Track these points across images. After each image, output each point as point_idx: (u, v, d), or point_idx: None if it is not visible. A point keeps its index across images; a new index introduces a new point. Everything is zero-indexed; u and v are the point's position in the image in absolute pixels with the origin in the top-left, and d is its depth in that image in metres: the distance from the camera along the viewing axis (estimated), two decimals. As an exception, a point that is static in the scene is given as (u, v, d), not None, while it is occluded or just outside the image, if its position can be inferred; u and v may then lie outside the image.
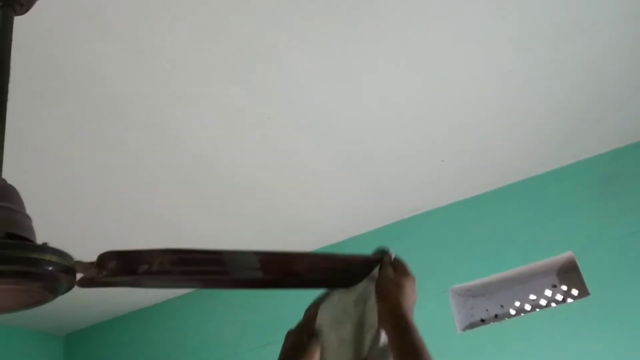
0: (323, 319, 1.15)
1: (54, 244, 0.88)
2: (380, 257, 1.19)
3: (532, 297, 2.67)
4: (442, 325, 2.59)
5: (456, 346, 2.55)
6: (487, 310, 2.74)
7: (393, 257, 1.22)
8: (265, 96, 1.94)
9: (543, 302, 2.64)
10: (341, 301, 1.16)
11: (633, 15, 1.82)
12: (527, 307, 2.66)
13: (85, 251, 1.01)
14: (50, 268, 0.73)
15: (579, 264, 2.48)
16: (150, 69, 1.75)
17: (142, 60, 1.72)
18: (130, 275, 0.86)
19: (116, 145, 2.05)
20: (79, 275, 0.80)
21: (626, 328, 2.28)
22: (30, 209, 0.84)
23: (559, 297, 2.63)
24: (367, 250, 3.00)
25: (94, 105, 1.85)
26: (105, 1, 1.51)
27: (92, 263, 0.82)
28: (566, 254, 2.53)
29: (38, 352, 3.47)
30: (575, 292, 2.58)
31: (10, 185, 0.82)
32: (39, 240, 0.80)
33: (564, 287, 2.63)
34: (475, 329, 2.62)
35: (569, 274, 2.62)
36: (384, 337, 1.13)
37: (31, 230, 0.80)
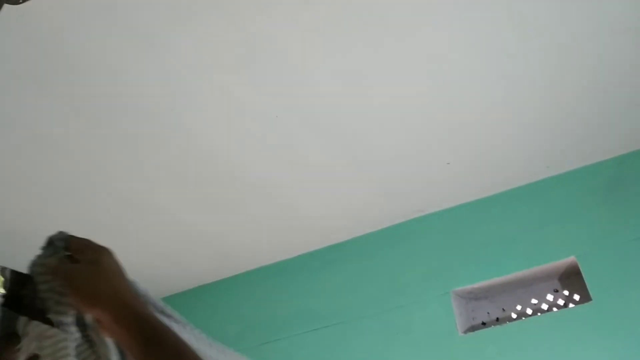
0: None
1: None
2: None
3: (534, 301, 2.67)
4: (444, 328, 2.59)
5: (457, 349, 2.54)
6: (488, 313, 2.73)
7: (61, 237, 0.79)
8: (273, 94, 1.94)
9: (545, 306, 2.64)
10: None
11: (642, 21, 1.82)
12: (529, 311, 2.66)
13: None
14: None
15: (581, 269, 2.47)
16: (159, 64, 1.76)
17: (151, 55, 1.72)
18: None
19: (122, 138, 2.06)
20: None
21: (627, 334, 2.27)
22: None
23: (561, 301, 2.62)
24: (369, 252, 3.00)
25: (102, 97, 1.85)
26: (116, -5, 1.51)
27: None
28: (569, 259, 2.53)
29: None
30: (577, 297, 2.57)
31: None
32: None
33: (566, 292, 2.63)
34: (476, 332, 2.62)
35: (571, 278, 2.62)
36: None
37: None
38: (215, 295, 3.19)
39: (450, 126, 2.22)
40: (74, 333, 0.74)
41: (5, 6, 1.26)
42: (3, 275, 0.77)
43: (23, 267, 0.78)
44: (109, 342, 0.76)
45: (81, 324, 0.76)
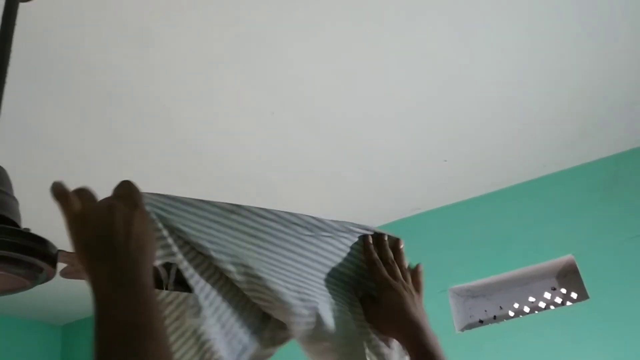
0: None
1: (52, 233, 0.87)
2: None
3: (531, 299, 2.67)
4: (441, 325, 2.58)
5: (454, 346, 2.53)
6: (485, 311, 2.73)
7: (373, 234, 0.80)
8: (269, 91, 1.93)
9: (542, 304, 2.64)
10: None
11: (640, 18, 1.82)
12: (526, 309, 2.66)
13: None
14: (32, 255, 0.71)
15: (579, 267, 2.47)
16: (155, 60, 1.75)
17: (148, 51, 1.71)
18: None
19: (118, 136, 2.05)
20: (60, 265, 0.78)
21: (625, 332, 2.27)
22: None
23: (558, 300, 2.62)
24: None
25: (98, 94, 1.85)
26: (110, -9, 1.51)
27: (74, 253, 0.79)
28: (566, 257, 2.53)
29: (35, 342, 3.47)
30: (574, 295, 2.57)
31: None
32: (36, 227, 0.78)
33: (564, 290, 2.63)
34: (473, 330, 2.62)
35: (568, 277, 2.62)
36: None
37: (17, 214, 0.78)
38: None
39: (447, 123, 2.22)
40: None
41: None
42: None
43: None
44: None
45: None
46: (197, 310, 0.74)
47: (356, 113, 2.10)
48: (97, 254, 0.62)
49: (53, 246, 0.75)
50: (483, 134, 2.30)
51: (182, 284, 0.76)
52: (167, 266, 0.78)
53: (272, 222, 0.86)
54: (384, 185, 2.58)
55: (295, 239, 0.87)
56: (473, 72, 1.96)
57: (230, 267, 0.79)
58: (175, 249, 0.76)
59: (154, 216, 0.75)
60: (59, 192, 0.67)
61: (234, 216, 0.83)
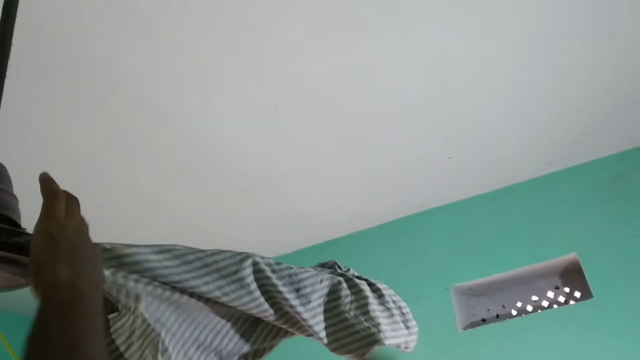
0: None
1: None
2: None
3: (534, 298, 2.65)
4: (444, 324, 2.57)
5: (457, 345, 2.53)
6: (488, 310, 2.72)
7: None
8: (273, 86, 1.92)
9: (545, 303, 2.62)
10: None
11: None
12: (529, 308, 2.64)
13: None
14: (29, 256, 0.70)
15: (583, 266, 2.46)
16: (157, 53, 1.74)
17: (152, 47, 1.70)
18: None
19: (123, 129, 2.04)
20: None
21: (629, 332, 2.26)
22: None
23: (562, 299, 2.60)
24: (370, 247, 2.98)
25: (103, 88, 1.84)
26: (114, -16, 1.49)
27: None
28: (570, 256, 2.51)
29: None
30: (577, 294, 2.56)
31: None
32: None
33: (567, 289, 2.61)
34: (476, 329, 2.60)
35: (572, 275, 2.60)
36: None
37: (17, 212, 0.77)
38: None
39: (451, 120, 2.20)
40: None
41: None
42: None
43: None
44: None
45: None
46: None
47: (360, 109, 2.08)
48: (65, 263, 0.61)
49: None
50: (488, 131, 2.28)
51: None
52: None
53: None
54: (387, 182, 2.57)
55: None
56: (479, 69, 1.95)
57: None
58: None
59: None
60: (50, 190, 0.68)
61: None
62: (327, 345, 1.09)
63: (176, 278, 0.91)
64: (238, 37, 1.70)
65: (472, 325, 2.67)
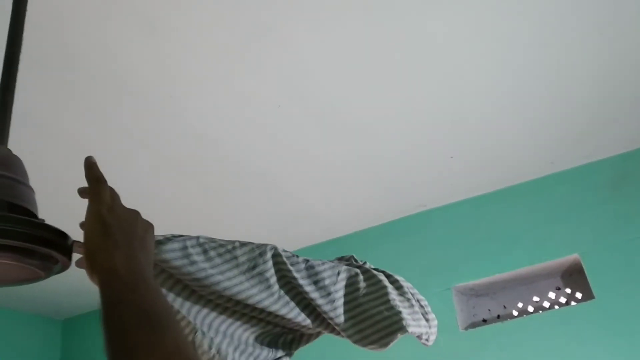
0: None
1: (55, 223, 0.85)
2: None
3: (536, 298, 2.65)
4: (444, 323, 2.54)
5: (458, 345, 2.53)
6: (489, 310, 2.72)
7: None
8: (276, 84, 1.91)
9: (546, 304, 2.62)
10: None
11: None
12: (530, 308, 2.64)
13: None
14: (48, 247, 0.70)
15: (584, 266, 2.45)
16: (160, 49, 1.73)
17: (157, 42, 1.69)
18: None
19: (124, 125, 2.03)
20: (75, 256, 0.77)
21: (631, 333, 2.26)
22: (36, 188, 0.82)
23: (563, 299, 2.60)
24: (371, 246, 2.98)
25: (105, 84, 1.83)
26: (118, -21, 1.49)
27: None
28: (572, 256, 2.51)
29: (35, 336, 3.46)
30: (579, 295, 2.56)
31: (15, 156, 0.80)
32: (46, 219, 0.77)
33: (568, 290, 2.61)
34: (477, 329, 2.60)
35: (573, 276, 2.60)
36: None
37: (34, 203, 0.77)
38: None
39: (454, 120, 2.20)
40: None
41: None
42: None
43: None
44: None
45: None
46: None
47: (363, 108, 2.08)
48: (118, 243, 0.64)
49: (68, 237, 0.74)
50: (490, 130, 2.28)
51: None
52: None
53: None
54: (389, 181, 2.56)
55: None
56: (482, 68, 1.95)
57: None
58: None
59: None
60: (96, 175, 0.72)
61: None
62: (349, 337, 1.08)
63: (202, 274, 0.91)
64: (243, 34, 1.70)
65: (473, 325, 2.66)
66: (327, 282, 1.05)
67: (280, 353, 1.03)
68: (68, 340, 3.54)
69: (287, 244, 2.96)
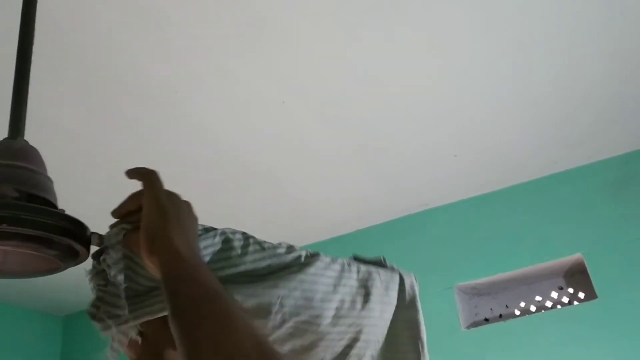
0: None
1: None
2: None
3: (538, 298, 2.65)
4: (447, 322, 2.57)
5: (459, 344, 2.52)
6: (491, 309, 2.71)
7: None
8: (280, 80, 1.91)
9: (549, 304, 2.62)
10: None
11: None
12: (532, 308, 2.64)
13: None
14: (67, 237, 0.70)
15: (587, 266, 2.45)
16: (164, 45, 1.73)
17: (161, 38, 1.69)
18: None
19: (128, 120, 2.03)
20: (92, 248, 0.77)
21: (634, 333, 2.25)
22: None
23: (565, 299, 2.60)
24: (373, 245, 2.98)
25: (104, 78, 1.82)
26: (124, -27, 1.48)
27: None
28: (575, 256, 2.51)
29: (36, 332, 3.46)
30: (581, 295, 2.55)
31: (32, 147, 0.80)
32: None
33: (571, 290, 2.61)
34: (479, 328, 2.60)
35: (576, 276, 2.59)
36: None
37: (53, 193, 0.77)
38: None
39: (457, 118, 2.19)
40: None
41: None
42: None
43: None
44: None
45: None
46: None
47: (367, 106, 2.08)
48: (178, 228, 0.67)
49: (87, 228, 0.74)
50: (494, 129, 2.27)
51: None
52: None
53: None
54: (392, 180, 2.56)
55: None
56: (485, 66, 1.94)
57: None
58: None
59: None
60: (145, 169, 0.74)
61: None
62: None
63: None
64: (248, 30, 1.69)
65: (475, 324, 2.66)
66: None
67: None
68: (69, 337, 3.53)
69: (289, 241, 2.95)
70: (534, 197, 2.64)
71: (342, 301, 0.81)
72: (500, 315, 2.67)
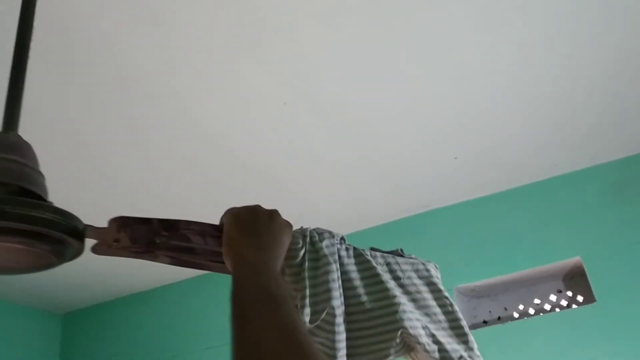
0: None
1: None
2: None
3: (537, 301, 2.65)
4: (445, 324, 2.56)
5: (458, 346, 2.52)
6: (490, 311, 2.71)
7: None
8: (282, 81, 1.91)
9: (547, 306, 2.62)
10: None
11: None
12: (531, 311, 2.64)
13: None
14: (58, 230, 0.70)
15: (586, 269, 2.45)
16: (165, 44, 1.73)
17: (163, 38, 1.69)
18: (145, 246, 0.82)
19: (126, 121, 2.03)
20: (89, 242, 0.77)
21: (632, 337, 2.26)
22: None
23: (564, 302, 2.60)
24: (373, 244, 2.97)
25: (109, 78, 1.82)
26: (126, -28, 1.49)
27: (104, 228, 0.78)
28: (574, 259, 2.51)
29: (35, 329, 3.45)
30: (580, 298, 2.55)
31: (25, 142, 0.80)
32: None
33: (569, 293, 2.61)
34: (477, 330, 2.59)
35: (575, 279, 2.59)
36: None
37: (44, 188, 0.77)
38: (216, 285, 3.16)
39: (458, 120, 2.20)
40: None
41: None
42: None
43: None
44: None
45: None
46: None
47: (367, 108, 2.08)
48: (250, 236, 0.77)
49: (80, 221, 0.73)
50: (494, 132, 2.27)
51: None
52: None
53: None
54: (393, 181, 2.56)
55: None
56: (486, 68, 1.94)
57: None
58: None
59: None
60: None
61: None
62: None
63: None
64: (250, 31, 1.70)
65: (474, 326, 2.66)
66: None
67: None
68: (68, 335, 3.54)
69: (289, 241, 2.95)
70: (533, 199, 2.65)
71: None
72: (499, 318, 2.67)
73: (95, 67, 1.78)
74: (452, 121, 2.20)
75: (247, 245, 0.76)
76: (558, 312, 2.55)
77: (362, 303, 0.98)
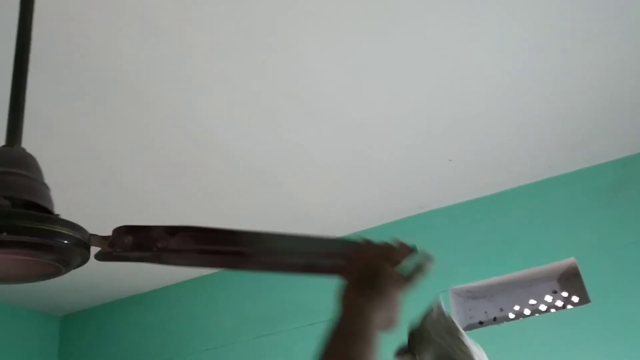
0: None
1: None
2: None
3: (532, 301, 2.66)
4: (441, 325, 2.57)
5: (454, 347, 2.53)
6: (486, 312, 2.72)
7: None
8: (276, 85, 1.92)
9: (543, 307, 2.63)
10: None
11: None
12: (527, 311, 2.65)
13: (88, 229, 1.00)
14: (65, 241, 0.72)
15: (581, 270, 2.46)
16: (162, 51, 1.74)
17: (155, 42, 1.70)
18: (147, 251, 0.85)
19: (119, 124, 2.03)
20: (93, 249, 0.79)
21: (626, 337, 2.27)
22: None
23: (559, 303, 2.61)
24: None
25: (99, 81, 1.83)
26: (123, -21, 1.50)
27: (107, 237, 0.81)
28: (569, 260, 2.52)
29: (33, 332, 3.45)
30: (575, 299, 2.56)
31: (29, 155, 0.81)
32: None
33: (565, 294, 2.62)
34: (473, 331, 2.60)
35: (570, 280, 2.61)
36: None
37: (49, 199, 0.79)
38: (214, 288, 3.18)
39: (453, 122, 2.21)
40: None
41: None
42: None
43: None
44: None
45: None
46: None
47: (362, 110, 2.09)
48: (354, 287, 0.88)
49: (85, 231, 0.75)
50: (489, 133, 2.29)
51: None
52: None
53: None
54: (388, 182, 2.57)
55: None
56: (480, 71, 1.96)
57: None
58: None
59: None
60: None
61: None
62: None
63: None
64: (241, 35, 1.71)
65: (470, 327, 2.67)
66: None
67: None
68: (66, 338, 3.54)
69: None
70: (529, 201, 2.66)
71: None
72: (495, 319, 2.69)
73: (93, 74, 1.79)
74: (447, 124, 2.21)
75: (348, 294, 0.87)
76: (553, 312, 2.56)
77: None
